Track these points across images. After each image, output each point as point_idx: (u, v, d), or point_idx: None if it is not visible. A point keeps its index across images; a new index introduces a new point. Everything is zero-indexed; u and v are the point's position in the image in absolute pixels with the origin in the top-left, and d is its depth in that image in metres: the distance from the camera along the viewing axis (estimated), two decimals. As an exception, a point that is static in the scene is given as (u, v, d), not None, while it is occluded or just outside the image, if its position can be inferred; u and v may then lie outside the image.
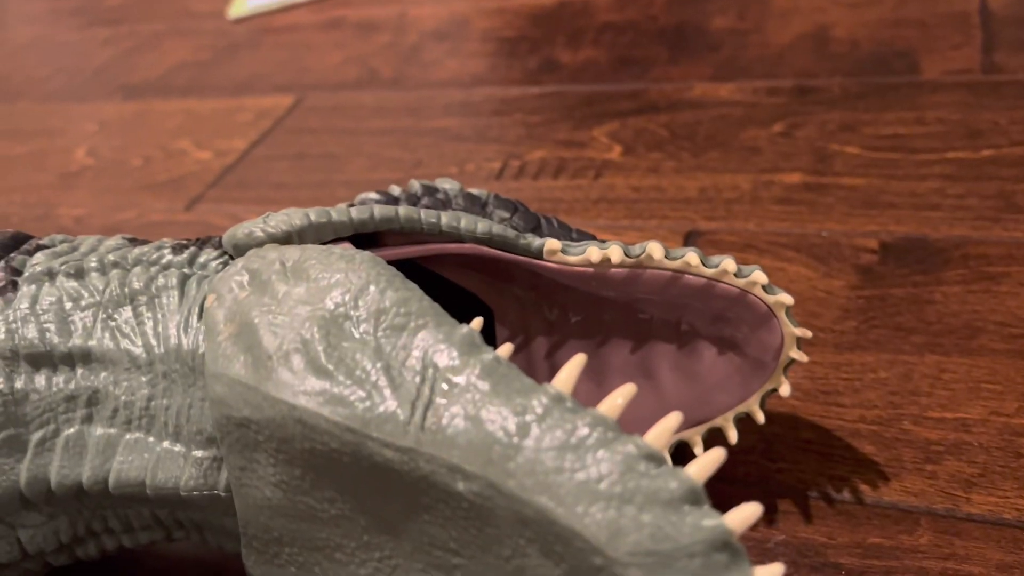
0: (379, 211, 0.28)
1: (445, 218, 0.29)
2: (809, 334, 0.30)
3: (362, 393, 0.22)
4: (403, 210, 0.29)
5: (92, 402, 0.26)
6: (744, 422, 0.35)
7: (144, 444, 0.25)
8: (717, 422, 0.31)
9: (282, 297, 0.24)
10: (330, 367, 0.22)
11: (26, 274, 0.28)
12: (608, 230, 0.46)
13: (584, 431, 0.20)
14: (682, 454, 0.33)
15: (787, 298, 0.30)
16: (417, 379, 0.22)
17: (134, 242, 0.30)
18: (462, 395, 0.21)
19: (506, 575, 0.21)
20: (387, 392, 0.22)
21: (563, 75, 0.63)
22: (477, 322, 0.23)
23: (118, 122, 0.71)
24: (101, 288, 0.27)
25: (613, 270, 0.29)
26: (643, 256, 0.29)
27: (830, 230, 0.43)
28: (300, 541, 0.23)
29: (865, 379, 0.36)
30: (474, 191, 0.35)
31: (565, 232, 0.34)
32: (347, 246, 0.28)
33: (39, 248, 0.29)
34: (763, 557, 0.30)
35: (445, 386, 0.21)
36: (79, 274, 0.28)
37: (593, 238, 0.34)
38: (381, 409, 0.21)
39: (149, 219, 0.57)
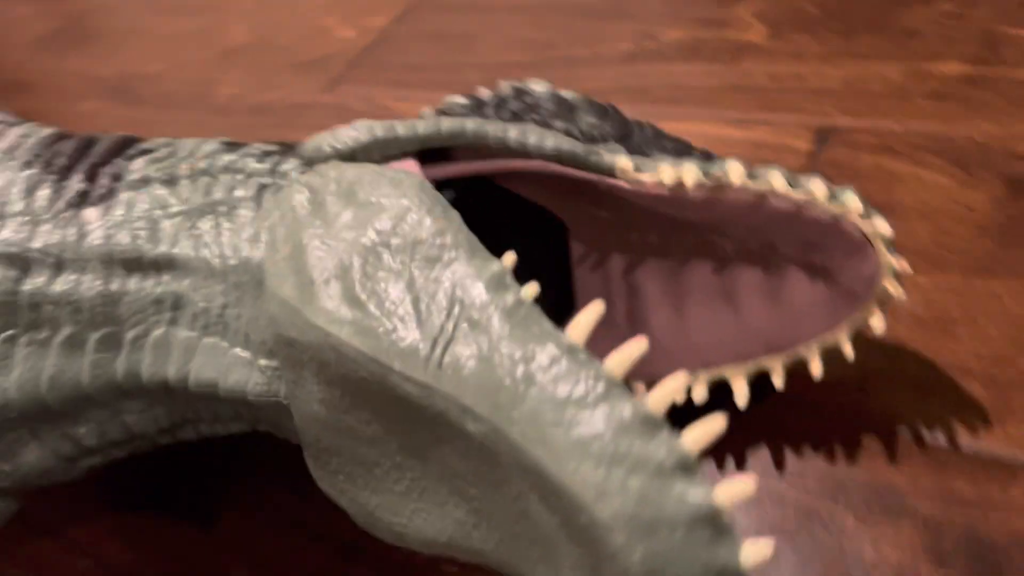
0: (447, 126, 0.28)
1: (513, 132, 0.28)
2: (908, 269, 0.28)
3: (389, 326, 0.22)
4: (471, 124, 0.28)
5: (176, 306, 0.28)
6: (836, 351, 0.33)
7: (219, 349, 0.27)
8: (801, 352, 0.30)
9: (332, 220, 0.25)
10: (363, 297, 0.23)
11: (125, 180, 0.30)
12: (736, 123, 0.43)
13: (587, 385, 0.19)
14: (762, 383, 0.32)
15: (885, 228, 0.27)
16: (443, 315, 0.22)
17: (230, 147, 0.32)
18: (480, 335, 0.21)
19: (513, 514, 0.21)
20: (412, 326, 0.22)
21: (716, -59, 0.58)
22: (509, 258, 0.23)
23: (276, -4, 0.73)
24: (187, 196, 0.29)
25: (690, 192, 0.28)
26: (722, 177, 0.27)
27: (983, 132, 0.38)
28: (345, 454, 0.25)
29: (989, 309, 0.32)
30: (565, 93, 0.33)
31: (659, 142, 0.32)
32: (411, 163, 0.28)
33: (143, 152, 0.31)
34: (836, 494, 0.29)
35: (466, 325, 0.21)
36: (171, 181, 0.29)
37: (689, 149, 0.32)
38: (404, 344, 0.22)
39: (292, 100, 0.59)
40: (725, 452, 0.32)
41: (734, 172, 0.27)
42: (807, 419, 0.32)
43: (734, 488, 0.18)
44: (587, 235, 0.31)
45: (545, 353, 0.20)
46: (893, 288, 0.28)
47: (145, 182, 0.30)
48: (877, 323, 0.29)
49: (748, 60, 0.47)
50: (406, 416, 0.23)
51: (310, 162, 0.28)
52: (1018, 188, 0.36)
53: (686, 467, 0.18)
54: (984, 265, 0.34)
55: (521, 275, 0.33)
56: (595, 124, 0.32)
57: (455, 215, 0.24)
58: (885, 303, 0.29)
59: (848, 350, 0.29)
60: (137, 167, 0.30)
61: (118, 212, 0.29)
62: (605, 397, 0.19)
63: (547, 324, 0.21)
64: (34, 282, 0.28)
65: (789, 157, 0.41)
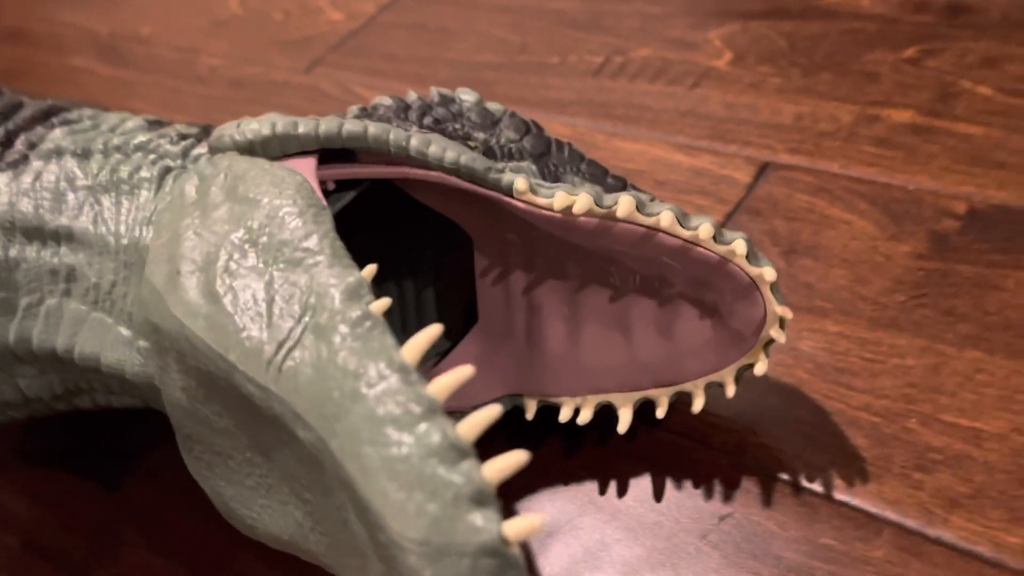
0: (348, 128, 0.28)
1: (414, 141, 0.28)
2: (790, 315, 0.28)
3: (239, 324, 0.22)
4: (373, 128, 0.28)
5: (70, 279, 0.28)
6: (740, 384, 0.33)
7: (104, 325, 0.28)
8: (687, 387, 0.30)
9: (210, 212, 0.25)
10: (220, 292, 0.23)
11: (38, 149, 0.30)
12: (683, 149, 0.44)
13: (405, 408, 0.19)
14: (648, 411, 0.32)
15: (770, 272, 0.27)
16: (294, 319, 0.22)
17: (151, 126, 0.32)
18: (322, 344, 0.21)
19: (338, 523, 0.22)
20: (262, 327, 0.22)
21: (705, -39, 0.58)
22: (369, 269, 0.23)
23: (274, -29, 0.73)
24: (96, 172, 0.29)
25: (582, 219, 0.28)
26: (614, 208, 0.27)
27: (919, 185, 0.38)
28: (204, 442, 0.25)
29: (888, 363, 0.32)
30: (491, 106, 0.33)
31: (575, 164, 0.32)
32: (309, 161, 0.28)
33: (65, 123, 0.32)
34: (707, 531, 0.29)
35: (313, 332, 0.22)
36: (85, 155, 0.30)
37: (604, 175, 0.32)
38: (249, 344, 0.22)
39: (271, 77, 0.59)
40: (609, 477, 0.32)
41: (625, 205, 0.27)
42: (694, 452, 0.32)
43: (523, 523, 0.18)
44: (491, 250, 0.31)
45: (376, 370, 0.20)
46: (777, 334, 0.28)
47: (58, 153, 0.30)
48: (760, 368, 0.29)
49: (708, 86, 0.47)
50: (251, 414, 0.23)
51: (213, 150, 0.29)
52: (940, 245, 0.36)
53: (482, 498, 0.18)
54: (891, 318, 0.34)
55: (428, 284, 0.33)
56: (514, 139, 0.32)
57: (326, 220, 0.24)
58: (769, 347, 0.29)
59: (730, 391, 0.29)
60: (55, 137, 0.31)
61: (26, 180, 0.29)
62: (420, 420, 0.19)
63: (388, 340, 0.21)
64: None
65: (726, 188, 0.41)
